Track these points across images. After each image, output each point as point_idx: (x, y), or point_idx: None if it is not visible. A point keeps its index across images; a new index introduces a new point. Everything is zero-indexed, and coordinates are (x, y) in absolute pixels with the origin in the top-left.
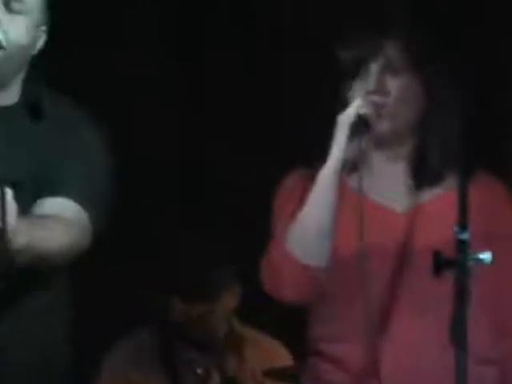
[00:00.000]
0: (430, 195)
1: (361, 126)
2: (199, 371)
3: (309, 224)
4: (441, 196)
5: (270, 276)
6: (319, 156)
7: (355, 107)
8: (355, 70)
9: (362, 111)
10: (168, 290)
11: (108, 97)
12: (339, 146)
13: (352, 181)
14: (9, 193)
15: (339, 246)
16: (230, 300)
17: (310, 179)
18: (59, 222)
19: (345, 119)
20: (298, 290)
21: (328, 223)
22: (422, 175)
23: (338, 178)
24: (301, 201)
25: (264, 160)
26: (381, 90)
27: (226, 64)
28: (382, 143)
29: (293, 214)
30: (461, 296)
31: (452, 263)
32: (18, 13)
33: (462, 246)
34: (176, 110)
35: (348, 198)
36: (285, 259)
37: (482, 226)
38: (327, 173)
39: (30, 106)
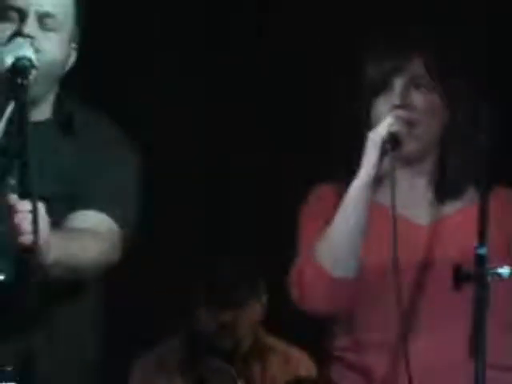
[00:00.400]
0: (450, 208)
1: (391, 143)
2: (223, 380)
3: (339, 238)
4: (461, 210)
5: (300, 289)
6: (346, 171)
7: (386, 125)
8: (380, 86)
9: (393, 129)
10: (195, 297)
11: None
12: (370, 162)
13: (377, 194)
14: (41, 207)
15: (366, 258)
16: (255, 310)
17: (338, 193)
18: (92, 236)
19: (376, 136)
20: (329, 302)
21: (358, 237)
22: (444, 189)
23: (368, 193)
24: (329, 216)
25: (290, 165)
26: (407, 104)
27: (251, 69)
28: (407, 160)
29: (322, 229)
30: (479, 308)
31: (471, 277)
32: (51, 30)
33: (480, 260)
34: (202, 115)
35: (373, 211)
36: (316, 272)
37: (502, 238)
38: (358, 188)
39: (62, 121)
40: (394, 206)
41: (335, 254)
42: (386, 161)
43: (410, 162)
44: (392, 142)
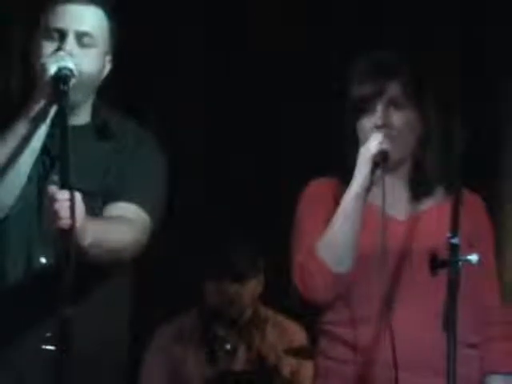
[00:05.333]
0: (424, 206)
1: (381, 158)
2: (228, 346)
3: (338, 240)
4: (433, 206)
5: (304, 282)
6: (336, 170)
7: (377, 142)
8: (362, 107)
9: (383, 147)
10: (204, 272)
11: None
12: (362, 175)
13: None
14: (78, 196)
15: (358, 246)
16: (256, 285)
17: (333, 188)
18: (123, 222)
19: (367, 153)
20: (329, 293)
21: (353, 239)
22: (418, 189)
23: (362, 202)
24: (326, 210)
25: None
26: (386, 124)
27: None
28: (388, 167)
29: (320, 223)
30: (452, 290)
31: (445, 263)
32: (88, 46)
33: (453, 248)
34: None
35: (364, 208)
36: (318, 268)
37: (469, 230)
38: (352, 197)
39: (99, 126)
40: (383, 208)
41: (335, 253)
42: (378, 172)
43: (390, 168)
44: (382, 157)
